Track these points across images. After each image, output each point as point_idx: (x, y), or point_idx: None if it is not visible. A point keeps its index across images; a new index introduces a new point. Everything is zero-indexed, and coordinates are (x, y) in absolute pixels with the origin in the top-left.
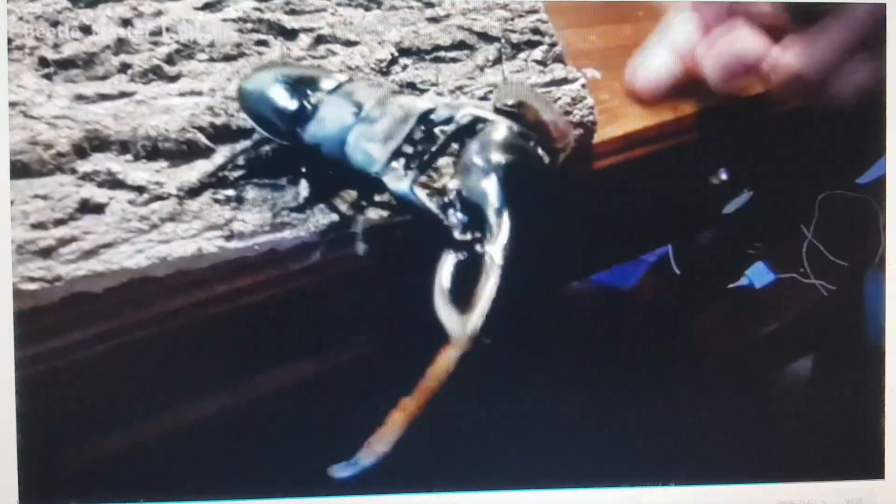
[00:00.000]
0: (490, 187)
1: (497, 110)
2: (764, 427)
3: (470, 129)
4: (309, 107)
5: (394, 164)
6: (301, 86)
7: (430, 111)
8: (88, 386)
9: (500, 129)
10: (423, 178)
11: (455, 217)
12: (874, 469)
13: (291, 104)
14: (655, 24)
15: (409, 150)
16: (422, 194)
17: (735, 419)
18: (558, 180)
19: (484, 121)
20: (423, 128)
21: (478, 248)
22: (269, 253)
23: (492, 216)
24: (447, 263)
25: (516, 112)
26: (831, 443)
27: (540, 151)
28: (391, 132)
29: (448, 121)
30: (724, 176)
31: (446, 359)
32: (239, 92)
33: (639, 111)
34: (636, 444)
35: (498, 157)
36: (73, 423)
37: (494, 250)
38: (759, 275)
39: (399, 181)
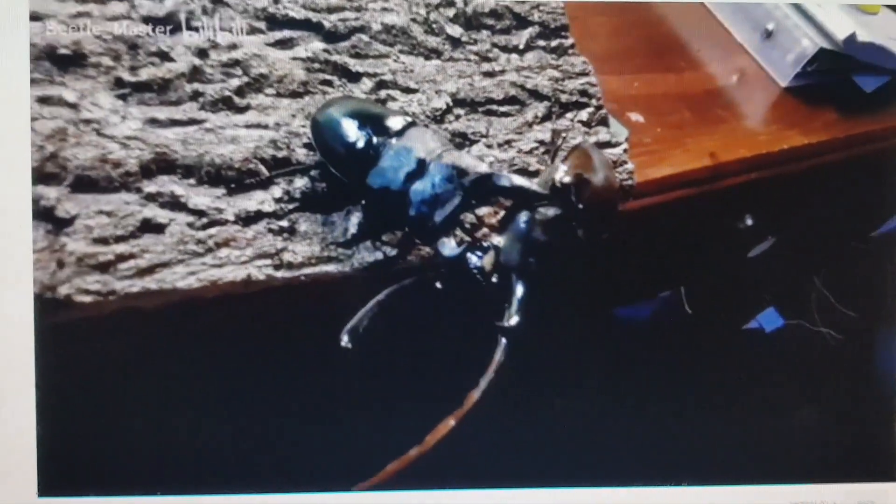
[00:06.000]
0: (525, 261)
1: (554, 187)
2: (776, 428)
3: (524, 201)
4: (372, 151)
5: (446, 229)
6: (368, 125)
7: (488, 177)
8: (108, 379)
9: (550, 210)
10: (467, 226)
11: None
12: (886, 471)
13: (359, 144)
14: (697, 75)
15: (461, 215)
16: (470, 260)
17: (747, 420)
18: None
19: (538, 197)
20: (477, 193)
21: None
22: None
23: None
24: None
25: (571, 189)
26: (843, 444)
27: (581, 234)
28: (448, 195)
29: (503, 191)
30: (749, 222)
31: (446, 426)
32: (312, 122)
33: (678, 156)
34: (648, 444)
35: (540, 237)
36: (92, 416)
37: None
38: (769, 319)
39: (450, 247)
